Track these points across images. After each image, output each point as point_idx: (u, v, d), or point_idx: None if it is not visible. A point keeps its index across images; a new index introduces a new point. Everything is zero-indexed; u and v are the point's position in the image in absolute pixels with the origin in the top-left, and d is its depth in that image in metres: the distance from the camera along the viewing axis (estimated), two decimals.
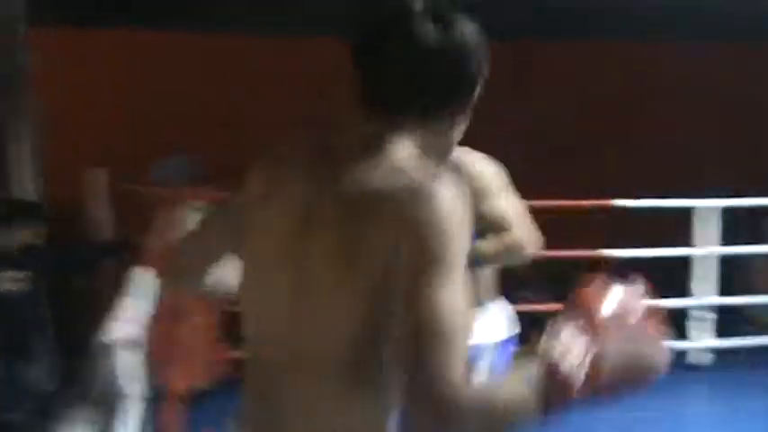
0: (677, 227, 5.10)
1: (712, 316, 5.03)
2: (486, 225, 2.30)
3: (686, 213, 5.05)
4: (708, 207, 4.97)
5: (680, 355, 5.07)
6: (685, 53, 6.42)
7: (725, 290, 5.12)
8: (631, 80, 6.63)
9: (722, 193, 5.05)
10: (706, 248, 4.97)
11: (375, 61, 1.21)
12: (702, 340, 5.03)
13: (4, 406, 3.54)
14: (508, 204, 2.39)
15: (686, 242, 5.03)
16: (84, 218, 4.78)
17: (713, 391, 4.89)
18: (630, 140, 6.62)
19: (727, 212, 5.02)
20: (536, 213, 2.56)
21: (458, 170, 1.83)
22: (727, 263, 5.24)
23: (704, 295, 5.01)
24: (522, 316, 2.66)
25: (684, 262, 5.10)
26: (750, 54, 6.57)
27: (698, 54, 6.43)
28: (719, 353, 5.10)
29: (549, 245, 4.89)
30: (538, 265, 6.06)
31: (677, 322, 5.06)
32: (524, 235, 2.38)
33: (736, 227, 5.19)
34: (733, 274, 5.62)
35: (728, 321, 5.20)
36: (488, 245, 2.31)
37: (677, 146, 6.53)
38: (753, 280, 5.69)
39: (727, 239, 5.05)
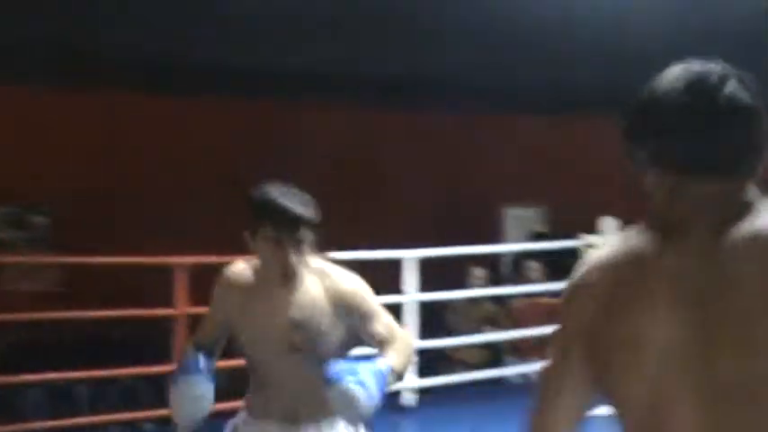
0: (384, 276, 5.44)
1: (415, 359, 5.36)
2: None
3: (395, 263, 5.36)
4: (412, 257, 5.35)
5: (392, 396, 5.35)
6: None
7: (427, 333, 5.47)
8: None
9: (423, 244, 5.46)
10: (411, 295, 5.34)
11: (710, 128, 1.15)
12: (409, 381, 5.34)
13: None
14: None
15: (396, 290, 5.30)
16: None
17: (424, 429, 5.21)
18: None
19: (430, 262, 5.40)
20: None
21: None
22: (429, 308, 5.67)
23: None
24: None
25: (396, 308, 5.39)
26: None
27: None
28: (424, 392, 5.42)
29: None
30: None
31: None
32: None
33: (437, 274, 5.60)
34: (434, 318, 6.09)
35: (431, 362, 5.58)
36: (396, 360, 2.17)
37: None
38: (454, 322, 6.20)
39: (430, 286, 5.46)
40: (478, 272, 6.32)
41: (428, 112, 7.47)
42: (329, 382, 2.05)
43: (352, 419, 2.15)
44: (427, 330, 5.50)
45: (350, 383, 2.04)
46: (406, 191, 7.40)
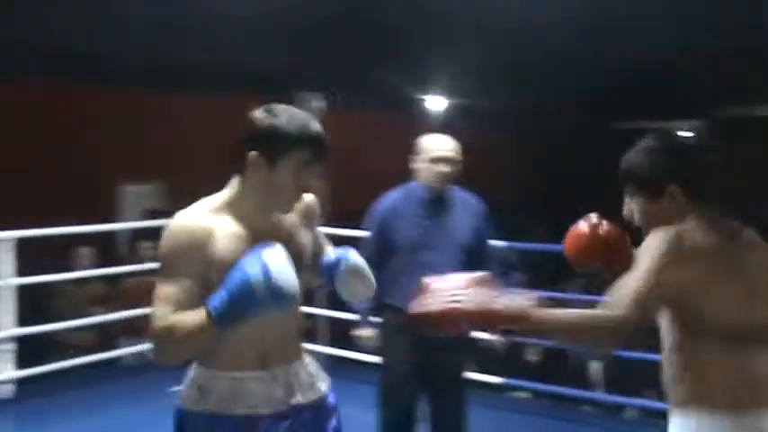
0: None
1: (12, 347, 4.99)
2: None
3: None
4: (7, 238, 4.93)
5: None
6: None
7: (29, 319, 5.11)
8: None
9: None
10: (4, 280, 4.93)
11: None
12: (4, 372, 4.96)
13: None
14: None
15: None
16: None
17: (21, 423, 4.85)
18: None
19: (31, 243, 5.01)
20: None
21: None
22: (33, 292, 5.30)
23: (4, 327, 4.95)
24: None
25: None
26: None
27: None
28: (25, 383, 5.06)
29: None
30: None
31: None
32: None
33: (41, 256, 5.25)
34: (41, 303, 5.72)
35: (33, 350, 5.21)
36: None
37: None
38: (59, 306, 5.87)
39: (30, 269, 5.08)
40: (84, 251, 6.06)
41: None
42: (330, 271, 2.11)
43: (366, 293, 2.17)
44: (29, 316, 5.14)
45: (350, 260, 2.12)
46: None
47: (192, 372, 2.01)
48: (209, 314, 1.78)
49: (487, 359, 6.38)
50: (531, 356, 6.37)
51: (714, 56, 7.07)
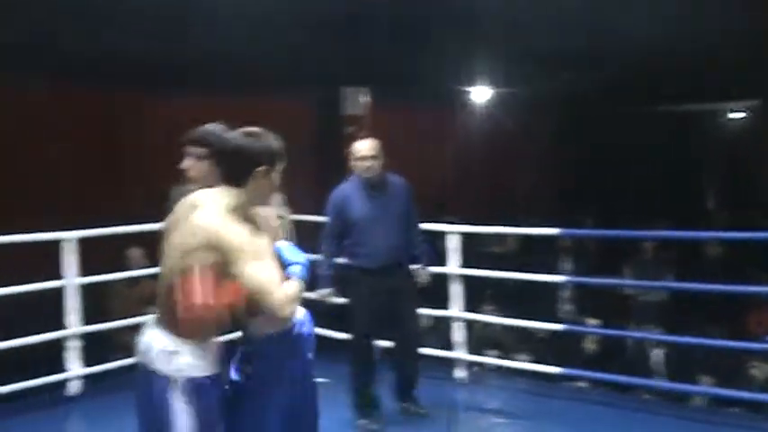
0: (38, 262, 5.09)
1: (78, 344, 5.13)
2: None
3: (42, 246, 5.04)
4: (67, 238, 5.04)
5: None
6: None
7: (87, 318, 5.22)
8: None
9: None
10: (69, 279, 5.05)
11: None
12: (72, 369, 5.09)
13: None
14: None
15: (56, 275, 5.00)
16: None
17: (88, 418, 4.98)
18: None
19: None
20: None
21: None
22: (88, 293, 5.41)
23: (70, 325, 5.09)
24: None
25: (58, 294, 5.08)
26: None
27: None
28: (90, 380, 5.20)
29: None
30: None
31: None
32: None
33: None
34: (97, 303, 5.83)
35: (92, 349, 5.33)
36: None
37: None
38: (113, 306, 5.99)
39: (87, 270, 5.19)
40: (135, 252, 6.16)
41: None
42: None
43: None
44: (87, 315, 5.24)
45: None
46: None
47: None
48: (301, 283, 2.44)
49: (544, 349, 6.37)
50: (589, 345, 6.32)
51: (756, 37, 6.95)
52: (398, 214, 4.62)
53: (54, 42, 5.84)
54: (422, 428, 4.67)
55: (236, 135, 2.51)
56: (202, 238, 2.31)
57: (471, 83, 9.92)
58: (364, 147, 4.61)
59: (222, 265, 2.29)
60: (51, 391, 5.08)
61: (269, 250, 2.45)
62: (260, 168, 2.42)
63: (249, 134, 2.46)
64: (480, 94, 10.52)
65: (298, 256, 2.51)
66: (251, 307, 2.40)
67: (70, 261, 5.04)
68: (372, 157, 4.59)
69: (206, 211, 2.36)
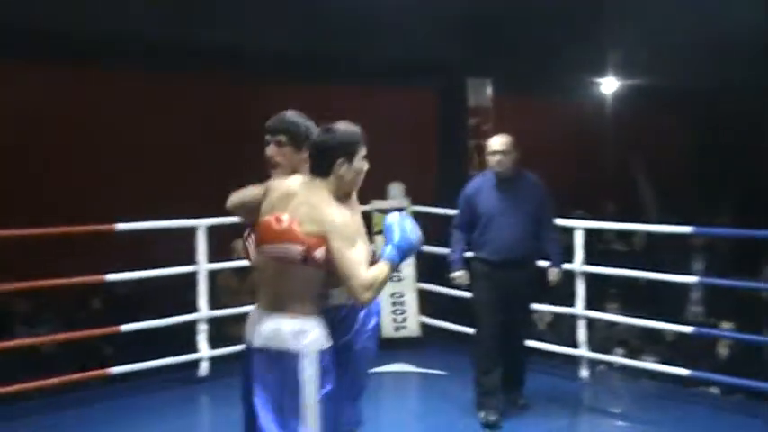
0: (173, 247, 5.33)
1: (207, 327, 5.34)
2: None
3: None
4: (198, 225, 5.25)
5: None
6: None
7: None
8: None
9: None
10: (203, 265, 5.26)
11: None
12: (202, 351, 5.31)
13: None
14: None
15: (192, 261, 5.23)
16: None
17: (216, 398, 5.13)
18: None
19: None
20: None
21: None
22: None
23: (201, 309, 5.31)
24: None
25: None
26: None
27: None
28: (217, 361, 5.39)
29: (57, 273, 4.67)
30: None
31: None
32: None
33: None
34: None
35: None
36: None
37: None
38: (219, 296, 6.12)
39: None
40: (239, 244, 6.26)
41: None
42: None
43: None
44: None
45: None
46: None
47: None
48: (390, 266, 2.54)
49: (672, 350, 6.12)
50: (722, 349, 6.02)
51: None
52: (526, 210, 4.62)
53: None
54: (542, 426, 4.60)
55: (314, 128, 2.75)
56: (308, 214, 2.53)
57: (601, 74, 9.64)
58: (496, 142, 4.68)
59: (323, 238, 2.50)
60: (183, 371, 5.32)
61: (362, 234, 2.64)
62: (339, 161, 2.62)
63: (326, 130, 2.65)
64: (610, 85, 10.21)
65: (401, 236, 2.58)
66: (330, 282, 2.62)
67: (202, 247, 5.24)
68: (503, 153, 4.63)
69: (313, 193, 2.59)
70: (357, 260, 2.51)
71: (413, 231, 2.61)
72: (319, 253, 2.50)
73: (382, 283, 2.52)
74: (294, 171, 2.73)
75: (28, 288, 4.97)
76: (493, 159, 4.65)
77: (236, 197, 2.92)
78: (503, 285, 4.60)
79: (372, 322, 2.93)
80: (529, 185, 4.70)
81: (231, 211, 2.96)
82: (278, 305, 2.57)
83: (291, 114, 2.81)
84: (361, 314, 2.84)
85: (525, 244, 4.61)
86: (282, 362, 2.54)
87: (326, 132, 2.66)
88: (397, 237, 2.57)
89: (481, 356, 4.67)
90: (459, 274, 4.75)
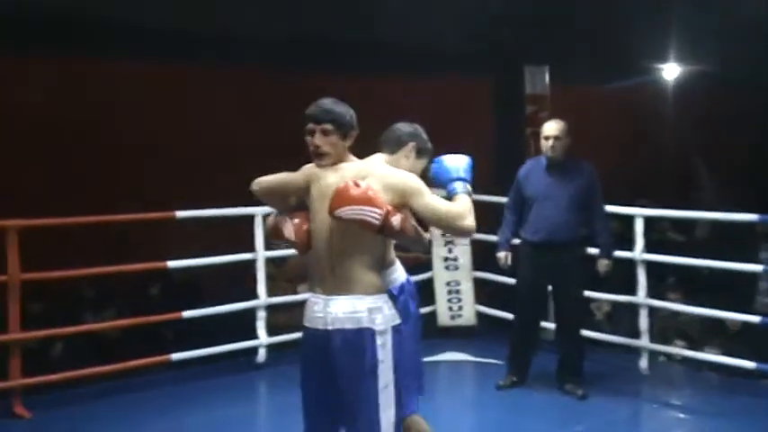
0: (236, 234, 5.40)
1: (265, 315, 5.39)
2: None
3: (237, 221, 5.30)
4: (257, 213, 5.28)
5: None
6: None
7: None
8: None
9: None
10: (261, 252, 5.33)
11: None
12: (261, 338, 5.37)
13: None
14: None
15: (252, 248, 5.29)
16: None
17: (273, 384, 5.21)
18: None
19: None
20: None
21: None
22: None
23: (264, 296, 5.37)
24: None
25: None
26: None
27: None
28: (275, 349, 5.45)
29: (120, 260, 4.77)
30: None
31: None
32: None
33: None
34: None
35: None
36: None
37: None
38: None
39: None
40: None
41: None
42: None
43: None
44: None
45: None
46: None
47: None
48: (468, 194, 2.65)
49: (737, 342, 5.96)
50: None
51: None
52: (573, 195, 4.66)
53: None
54: (603, 418, 4.53)
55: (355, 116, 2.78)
56: (381, 182, 2.57)
57: (662, 59, 9.42)
58: (550, 127, 4.74)
59: (401, 205, 2.56)
60: (243, 358, 5.41)
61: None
62: (410, 145, 2.97)
63: (409, 123, 3.05)
64: (672, 71, 9.98)
65: (456, 171, 2.70)
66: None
67: (260, 235, 5.30)
68: (555, 138, 4.69)
69: (375, 166, 2.70)
70: (444, 203, 2.57)
71: (457, 161, 2.74)
72: (396, 220, 2.50)
73: (472, 209, 2.58)
74: (338, 160, 2.69)
75: (95, 274, 5.09)
76: (546, 144, 4.71)
77: (266, 181, 2.82)
78: (544, 267, 4.70)
79: (412, 307, 2.95)
80: (579, 171, 4.73)
81: (259, 194, 2.84)
82: (347, 285, 2.56)
83: (331, 102, 2.71)
84: (401, 298, 2.83)
85: (569, 227, 4.64)
86: (358, 342, 2.52)
87: (408, 123, 3.00)
88: (453, 171, 2.70)
89: (517, 333, 4.92)
90: (501, 255, 4.89)
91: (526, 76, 7.31)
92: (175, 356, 5.04)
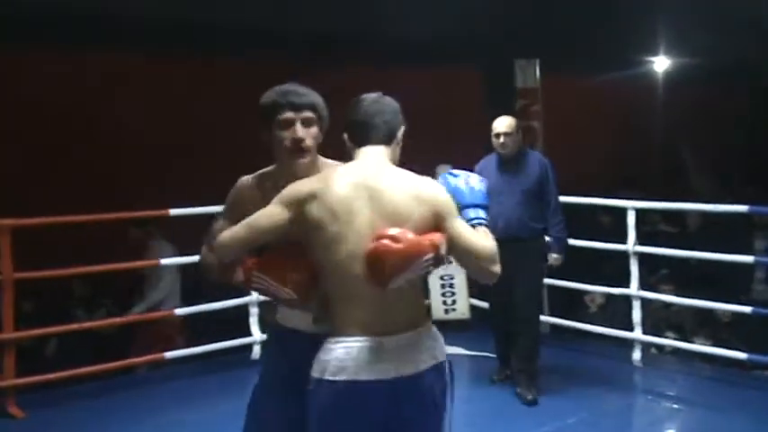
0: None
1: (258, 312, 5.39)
2: None
3: None
4: None
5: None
6: None
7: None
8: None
9: None
10: None
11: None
12: (255, 335, 5.35)
13: None
14: None
15: None
16: None
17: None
18: None
19: None
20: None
21: None
22: None
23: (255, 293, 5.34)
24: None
25: None
26: None
27: None
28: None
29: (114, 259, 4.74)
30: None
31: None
32: None
33: None
34: None
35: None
36: None
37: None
38: None
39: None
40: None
41: None
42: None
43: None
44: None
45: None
46: None
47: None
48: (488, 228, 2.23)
49: (729, 333, 6.00)
50: None
51: None
52: (525, 190, 4.64)
53: None
54: (596, 410, 4.55)
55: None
56: (410, 195, 2.09)
57: (652, 53, 9.44)
58: (500, 124, 4.72)
59: (433, 223, 2.09)
60: (236, 355, 5.40)
61: None
62: (403, 128, 2.28)
63: (382, 95, 2.26)
64: (661, 64, 10.01)
65: (480, 197, 2.26)
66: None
67: None
68: (506, 134, 4.68)
69: (388, 170, 2.15)
70: (475, 234, 2.17)
71: (478, 183, 2.27)
72: (443, 248, 2.06)
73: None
74: (315, 159, 2.23)
75: (86, 272, 5.08)
76: (497, 141, 4.69)
77: (229, 242, 2.10)
78: (503, 262, 4.59)
79: None
80: (531, 165, 4.69)
81: (227, 264, 2.18)
82: (399, 324, 2.09)
83: (300, 86, 2.24)
84: None
85: (522, 223, 4.61)
86: (421, 382, 2.12)
87: (384, 96, 2.25)
88: (477, 196, 2.25)
89: (494, 332, 5.05)
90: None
91: (516, 70, 7.31)
92: (169, 354, 5.03)
